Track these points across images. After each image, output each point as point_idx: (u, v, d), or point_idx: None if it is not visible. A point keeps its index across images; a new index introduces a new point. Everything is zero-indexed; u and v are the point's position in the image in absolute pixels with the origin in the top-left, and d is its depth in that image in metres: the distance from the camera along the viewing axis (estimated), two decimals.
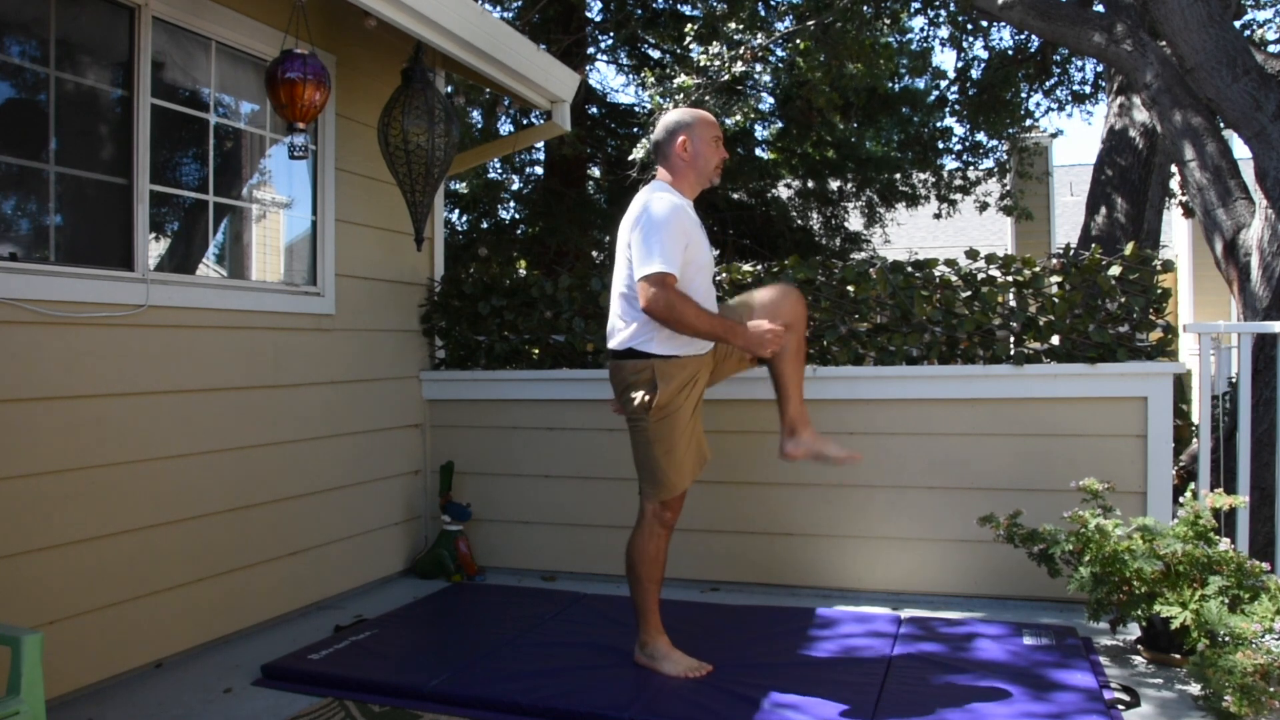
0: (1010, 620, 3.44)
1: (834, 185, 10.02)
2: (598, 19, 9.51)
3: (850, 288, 3.87)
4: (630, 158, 7.32)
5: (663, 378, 2.82)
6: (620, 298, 2.93)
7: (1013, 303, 3.75)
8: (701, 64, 6.61)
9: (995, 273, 3.77)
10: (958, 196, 9.94)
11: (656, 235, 2.73)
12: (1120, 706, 2.65)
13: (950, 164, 10.03)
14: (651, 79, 7.06)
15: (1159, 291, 3.57)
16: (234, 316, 3.42)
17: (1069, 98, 9.16)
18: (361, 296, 4.10)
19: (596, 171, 10.03)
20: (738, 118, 6.77)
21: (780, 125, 9.74)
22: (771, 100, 9.55)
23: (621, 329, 2.90)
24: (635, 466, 2.97)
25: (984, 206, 9.91)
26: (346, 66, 3.99)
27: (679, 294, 2.72)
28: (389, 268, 4.30)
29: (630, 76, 11.15)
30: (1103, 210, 6.83)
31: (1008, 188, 9.97)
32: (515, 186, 10.06)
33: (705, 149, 2.93)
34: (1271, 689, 2.42)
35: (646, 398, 2.82)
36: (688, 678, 2.86)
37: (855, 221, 10.51)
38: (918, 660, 3.01)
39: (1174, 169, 6.71)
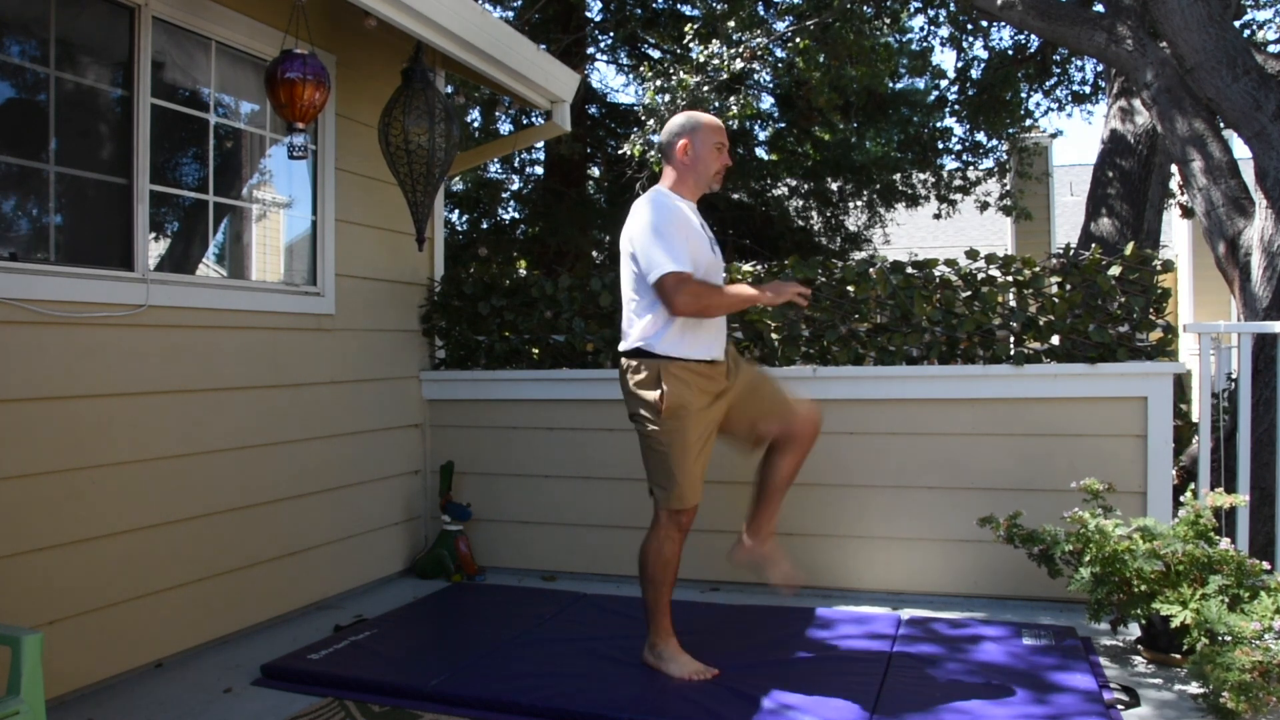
0: (1010, 620, 3.44)
1: (834, 186, 10.02)
2: (597, 19, 9.52)
3: (850, 288, 3.87)
4: (621, 151, 7.31)
5: (669, 378, 2.79)
6: (627, 302, 2.92)
7: (1013, 303, 3.75)
8: (700, 61, 6.59)
9: (995, 273, 3.77)
10: (958, 197, 9.93)
11: (655, 238, 2.76)
12: (1120, 706, 2.65)
13: (950, 164, 10.03)
14: (650, 73, 7.04)
15: (1159, 291, 3.58)
16: (234, 316, 3.42)
17: (1069, 98, 9.16)
18: (361, 296, 4.10)
19: (596, 171, 10.04)
20: (734, 110, 6.74)
21: (780, 125, 9.74)
22: (772, 100, 9.56)
23: (628, 330, 2.90)
24: (647, 473, 2.94)
25: (984, 206, 9.90)
26: (346, 66, 3.99)
27: (699, 284, 2.75)
28: (389, 268, 4.30)
29: (630, 76, 11.16)
30: (1103, 210, 6.82)
31: (1008, 188, 9.96)
32: (515, 186, 10.07)
33: (706, 154, 2.91)
34: (1270, 686, 2.42)
35: (656, 396, 2.80)
36: (692, 680, 2.85)
37: (855, 221, 10.51)
38: (917, 660, 3.01)
39: (1174, 169, 6.71)
